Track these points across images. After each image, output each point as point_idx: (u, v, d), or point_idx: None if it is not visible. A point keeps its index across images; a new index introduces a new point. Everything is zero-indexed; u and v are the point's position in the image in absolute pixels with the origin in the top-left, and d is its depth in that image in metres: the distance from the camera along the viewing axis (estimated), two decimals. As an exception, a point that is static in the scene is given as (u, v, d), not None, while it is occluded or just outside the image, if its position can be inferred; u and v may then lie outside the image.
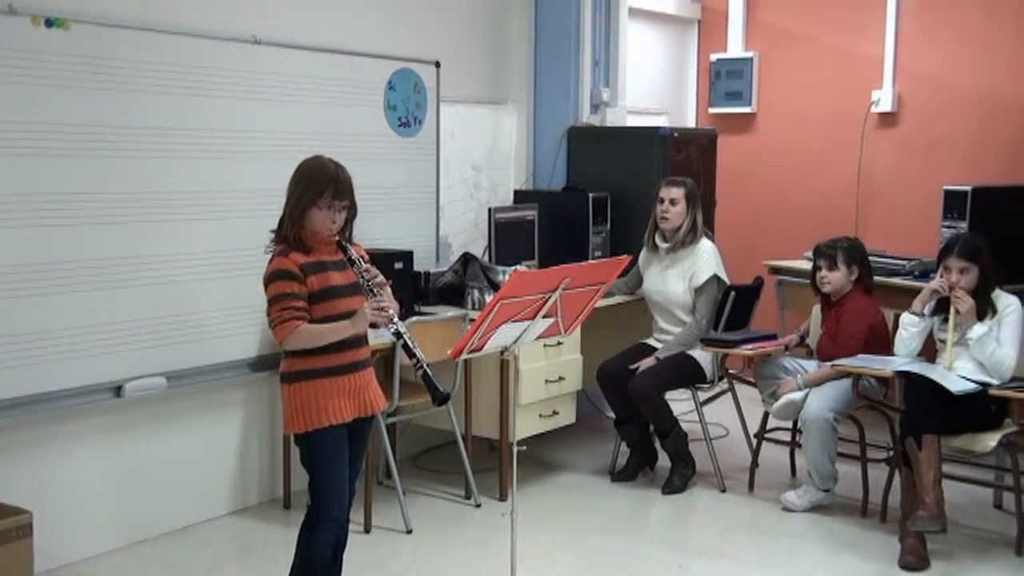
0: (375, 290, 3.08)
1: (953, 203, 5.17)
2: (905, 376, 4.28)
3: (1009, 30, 6.13)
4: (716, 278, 4.94)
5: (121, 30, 3.85)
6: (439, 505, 4.68)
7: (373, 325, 3.13)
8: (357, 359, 3.17)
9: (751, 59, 7.04)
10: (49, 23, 3.63)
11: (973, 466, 4.55)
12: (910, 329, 4.38)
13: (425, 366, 3.06)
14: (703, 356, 4.91)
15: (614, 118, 6.04)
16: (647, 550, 4.23)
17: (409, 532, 4.32)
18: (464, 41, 5.56)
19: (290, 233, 3.09)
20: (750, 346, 4.84)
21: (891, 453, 4.60)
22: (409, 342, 3.07)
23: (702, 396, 5.08)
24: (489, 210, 5.34)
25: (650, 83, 7.02)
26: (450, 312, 4.67)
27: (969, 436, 4.15)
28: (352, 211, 3.17)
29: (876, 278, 4.93)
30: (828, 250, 4.73)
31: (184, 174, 4.10)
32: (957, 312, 4.23)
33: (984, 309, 4.23)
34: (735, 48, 7.12)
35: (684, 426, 4.94)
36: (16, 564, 3.42)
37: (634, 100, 6.43)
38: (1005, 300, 4.26)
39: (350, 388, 3.14)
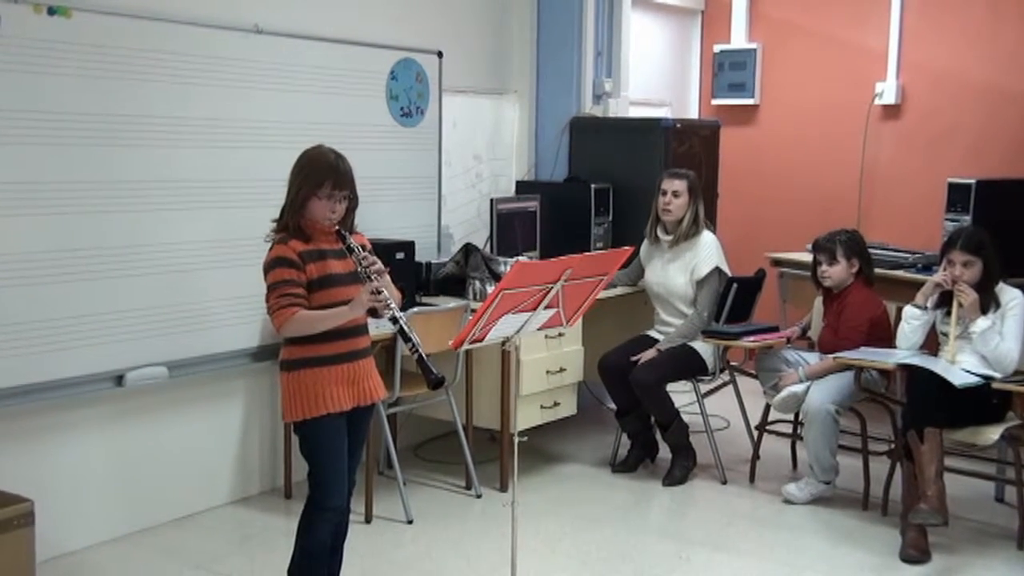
0: (373, 277, 3.07)
1: (957, 196, 5.15)
2: (907, 369, 4.27)
3: (1014, 22, 6.10)
4: (718, 270, 4.93)
5: (123, 18, 3.83)
6: (440, 495, 4.69)
7: (372, 313, 3.12)
8: (356, 348, 3.17)
9: (754, 50, 7.01)
10: (51, 11, 3.62)
11: (975, 459, 4.56)
12: (912, 322, 4.37)
13: (420, 350, 3.06)
14: (704, 348, 4.91)
15: (616, 109, 6.03)
16: (648, 541, 4.24)
17: (410, 522, 4.32)
18: (466, 31, 5.54)
19: (290, 222, 3.10)
20: (752, 338, 4.83)
21: (893, 446, 4.60)
22: (405, 326, 3.07)
23: (703, 388, 5.08)
24: (491, 201, 5.34)
25: (653, 74, 6.99)
26: (452, 303, 4.67)
27: (971, 429, 4.15)
28: (353, 201, 3.17)
29: (879, 271, 4.93)
30: (827, 244, 4.72)
31: (186, 163, 4.10)
32: (960, 305, 4.23)
33: (987, 303, 4.22)
34: (738, 39, 7.10)
35: (685, 418, 4.94)
36: (18, 552, 3.42)
37: (637, 91, 6.42)
38: (1009, 294, 4.25)
39: (349, 377, 3.15)
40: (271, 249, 3.11)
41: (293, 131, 4.30)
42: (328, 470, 3.15)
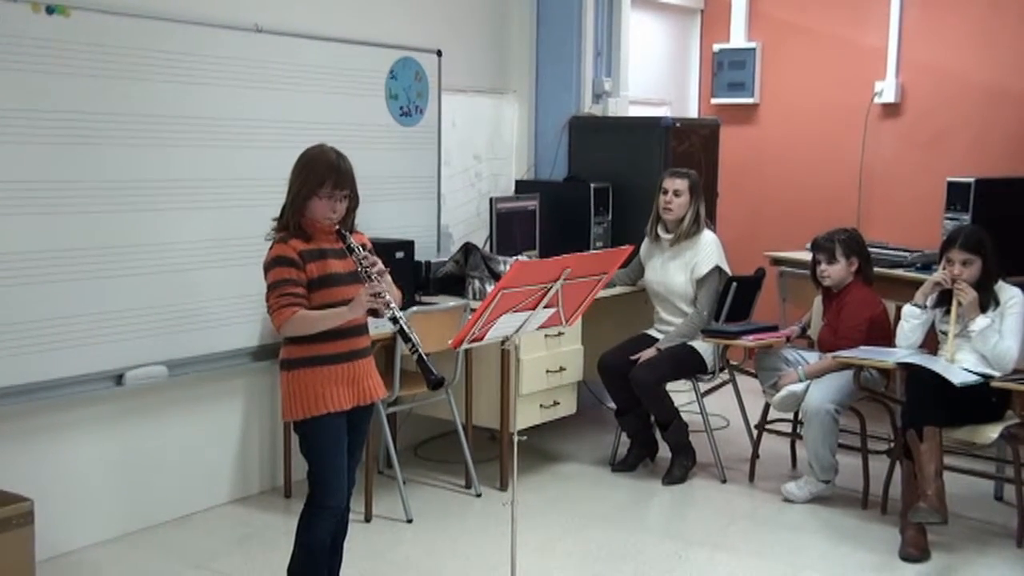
0: (374, 277, 3.07)
1: (956, 195, 5.16)
2: (907, 368, 4.27)
3: (1013, 21, 6.11)
4: (718, 269, 4.93)
5: (122, 17, 3.83)
6: (440, 495, 4.69)
7: (373, 312, 3.13)
8: (356, 347, 3.18)
9: (754, 49, 7.01)
10: (50, 10, 3.62)
11: (974, 458, 4.56)
12: (912, 321, 4.38)
13: (420, 350, 3.06)
14: (704, 347, 4.91)
15: (616, 108, 6.03)
16: (647, 540, 4.23)
17: (410, 522, 4.32)
18: (466, 30, 5.54)
19: (291, 221, 3.10)
20: (751, 337, 4.83)
21: (892, 445, 4.60)
22: (405, 327, 3.07)
23: (703, 387, 5.08)
24: (490, 200, 5.34)
25: (652, 73, 7.00)
26: (451, 302, 4.67)
27: (970, 428, 4.15)
28: (353, 201, 3.17)
29: (878, 270, 4.93)
30: (826, 243, 4.72)
31: (185, 162, 4.10)
32: (959, 304, 4.23)
33: (987, 301, 4.23)
34: (738, 38, 7.10)
35: (685, 417, 4.95)
36: (17, 552, 3.42)
37: (636, 90, 6.42)
38: (1008, 292, 4.26)
39: (349, 376, 3.15)
40: (271, 248, 3.12)
41: (292, 130, 4.31)
42: (328, 469, 3.15)
